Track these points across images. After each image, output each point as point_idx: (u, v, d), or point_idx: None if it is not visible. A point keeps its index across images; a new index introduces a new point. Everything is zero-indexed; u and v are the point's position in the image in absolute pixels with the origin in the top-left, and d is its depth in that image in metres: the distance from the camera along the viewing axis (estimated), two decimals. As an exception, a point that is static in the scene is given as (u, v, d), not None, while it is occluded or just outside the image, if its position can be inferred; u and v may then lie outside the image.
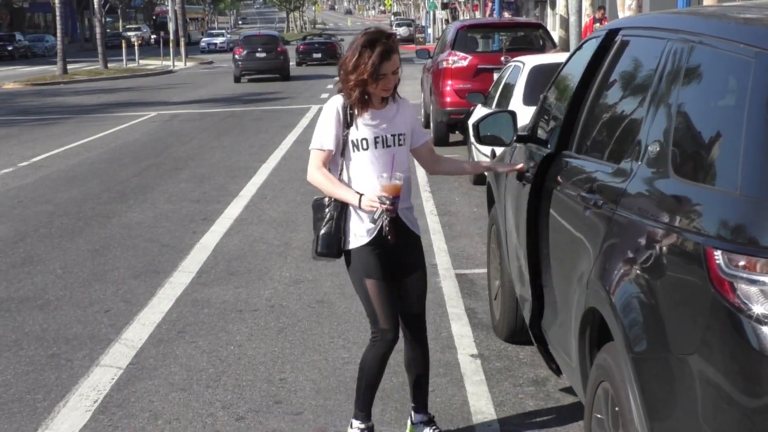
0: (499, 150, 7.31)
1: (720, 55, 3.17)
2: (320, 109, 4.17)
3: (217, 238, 8.84)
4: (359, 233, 4.16)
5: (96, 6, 41.49)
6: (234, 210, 10.22)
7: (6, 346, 5.99)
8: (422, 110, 17.38)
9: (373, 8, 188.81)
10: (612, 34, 4.20)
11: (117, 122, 20.03)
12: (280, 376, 5.33)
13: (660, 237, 3.06)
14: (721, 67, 3.18)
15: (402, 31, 71.13)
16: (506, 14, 36.38)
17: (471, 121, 9.83)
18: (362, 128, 4.10)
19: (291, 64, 36.25)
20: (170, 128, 18.85)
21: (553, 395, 5.04)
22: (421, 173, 11.64)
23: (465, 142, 13.36)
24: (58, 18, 37.12)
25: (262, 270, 7.67)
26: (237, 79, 32.88)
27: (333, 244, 4.17)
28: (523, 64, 10.11)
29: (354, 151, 4.11)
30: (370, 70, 4.01)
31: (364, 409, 4.39)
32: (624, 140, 3.63)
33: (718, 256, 2.69)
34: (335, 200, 4.16)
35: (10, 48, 57.17)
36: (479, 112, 10.67)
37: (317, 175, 4.15)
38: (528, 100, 9.34)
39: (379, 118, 4.13)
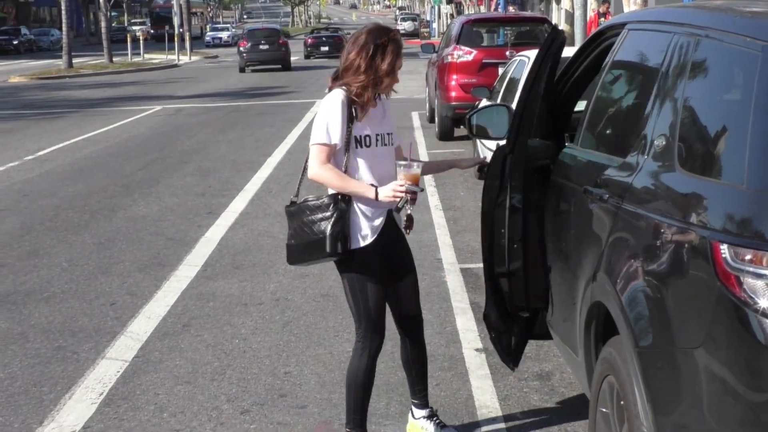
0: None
1: (726, 48, 3.17)
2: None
3: (222, 232, 8.85)
4: (364, 233, 4.05)
5: (101, 0, 41.48)
6: (239, 204, 10.23)
7: (12, 338, 6.01)
8: (427, 105, 17.37)
9: (378, 2, 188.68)
10: (618, 27, 4.20)
11: (122, 116, 20.05)
12: (284, 370, 5.34)
13: (666, 231, 3.06)
14: (727, 61, 3.18)
15: (407, 26, 71.12)
16: (511, 9, 36.30)
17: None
18: (364, 125, 4.04)
19: (300, 56, 39.56)
20: (175, 122, 18.86)
21: (558, 389, 5.04)
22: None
23: (470, 137, 13.35)
24: (63, 12, 37.14)
25: (267, 264, 7.67)
26: (242, 70, 34.99)
27: (343, 244, 4.01)
28: (528, 58, 10.08)
29: (357, 147, 4.03)
30: (387, 69, 3.99)
31: (361, 423, 4.24)
32: (630, 134, 3.62)
33: (724, 250, 2.69)
34: (341, 197, 4.01)
35: (15, 42, 57.20)
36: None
37: (324, 171, 3.96)
38: (533, 94, 9.31)
39: (375, 115, 4.10)
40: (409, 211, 4.03)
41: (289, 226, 4.12)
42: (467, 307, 6.42)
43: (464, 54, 14.37)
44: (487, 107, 5.04)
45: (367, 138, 4.05)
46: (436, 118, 15.30)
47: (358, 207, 4.04)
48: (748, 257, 2.64)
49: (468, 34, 14.87)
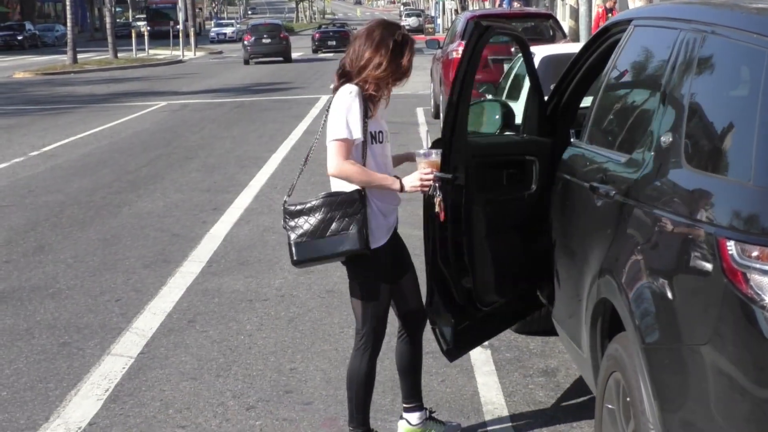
0: None
1: (732, 45, 3.16)
2: (330, 99, 4.06)
3: (227, 228, 8.85)
4: (381, 231, 4.01)
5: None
6: (244, 200, 10.23)
7: (18, 334, 6.02)
8: (432, 101, 17.35)
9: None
10: (624, 24, 4.19)
11: (127, 112, 20.06)
12: (290, 366, 5.35)
13: (672, 227, 3.05)
14: (733, 57, 3.17)
15: (411, 22, 71.08)
16: (516, 4, 36.24)
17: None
18: (376, 121, 4.02)
19: (305, 51, 42.65)
20: (180, 118, 18.86)
21: (563, 385, 5.04)
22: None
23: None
24: (68, 7, 37.13)
25: (272, 260, 7.68)
26: (246, 62, 37.99)
27: (368, 241, 3.94)
28: (534, 54, 10.06)
29: (371, 143, 3.99)
30: (408, 65, 3.98)
31: (364, 422, 4.22)
32: (636, 130, 3.62)
33: (731, 246, 2.69)
34: (361, 194, 3.94)
35: (20, 37, 57.25)
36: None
37: (347, 166, 3.86)
38: (539, 90, 9.29)
39: (381, 113, 4.10)
40: (439, 198, 4.00)
41: (290, 225, 3.99)
42: (472, 304, 6.41)
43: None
44: (479, 102, 5.06)
45: (380, 134, 4.04)
46: (441, 114, 15.28)
47: (375, 205, 3.99)
48: (754, 254, 2.64)
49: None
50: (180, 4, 49.29)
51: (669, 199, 3.13)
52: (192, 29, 49.34)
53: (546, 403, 4.83)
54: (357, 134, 3.88)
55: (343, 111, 3.88)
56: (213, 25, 74.38)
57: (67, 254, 8.03)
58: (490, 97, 10.99)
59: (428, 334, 5.48)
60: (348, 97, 3.89)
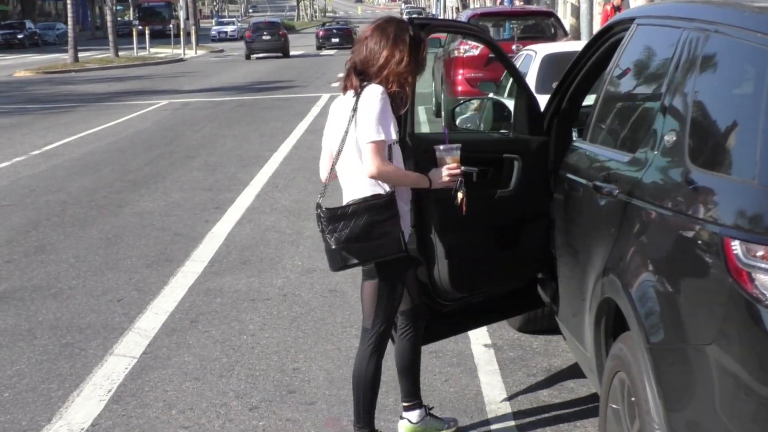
0: None
1: (736, 44, 3.15)
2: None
3: (229, 227, 8.84)
4: (406, 231, 4.00)
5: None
6: (245, 199, 10.22)
7: (20, 335, 6.01)
8: (433, 99, 17.35)
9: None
10: (627, 23, 4.18)
11: (128, 110, 20.05)
12: (293, 366, 5.34)
13: (676, 227, 3.04)
14: (737, 57, 3.16)
15: (412, 19, 70.89)
16: (517, 2, 36.22)
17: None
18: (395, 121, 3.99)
19: (307, 49, 45.52)
20: (181, 117, 18.86)
21: (567, 385, 5.03)
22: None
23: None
24: (69, 6, 37.10)
25: (275, 259, 7.67)
26: (248, 57, 41.48)
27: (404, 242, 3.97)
28: (536, 52, 10.06)
29: (394, 143, 3.97)
30: (425, 59, 4.00)
31: (370, 422, 4.19)
32: (639, 129, 3.61)
33: (735, 245, 2.68)
34: (393, 196, 3.90)
35: (20, 36, 57.23)
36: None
37: (386, 167, 3.82)
38: (541, 88, 9.27)
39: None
40: (463, 193, 4.03)
41: (331, 230, 3.88)
42: (475, 302, 6.40)
43: (470, 48, 14.33)
44: (471, 100, 5.06)
45: (398, 133, 4.01)
46: (443, 113, 15.26)
47: (399, 206, 3.97)
48: (760, 253, 2.63)
49: (474, 28, 14.82)
50: (181, 2, 49.21)
51: (673, 198, 3.12)
52: (193, 27, 49.31)
53: (549, 403, 4.82)
54: (392, 135, 3.86)
55: (377, 112, 3.82)
56: (214, 23, 74.27)
57: (68, 254, 8.02)
58: (491, 95, 10.97)
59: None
60: (379, 98, 3.83)
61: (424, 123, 16.26)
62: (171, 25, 49.25)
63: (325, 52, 46.56)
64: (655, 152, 3.33)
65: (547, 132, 4.77)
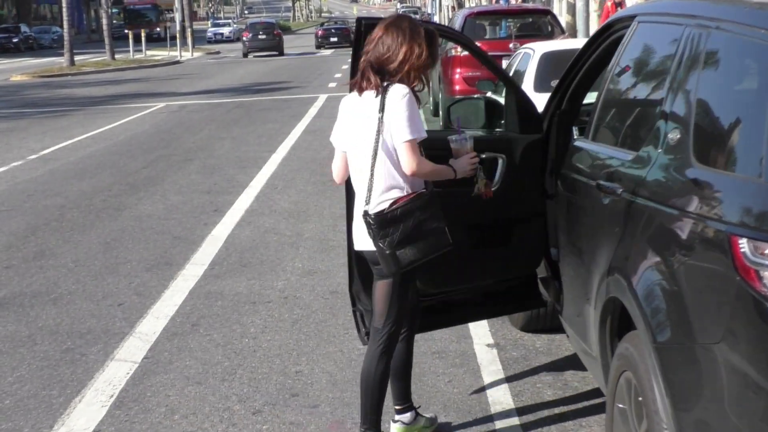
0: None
1: (739, 40, 3.13)
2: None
3: (228, 230, 8.82)
4: None
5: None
6: (245, 201, 10.19)
7: (20, 341, 5.98)
8: (431, 98, 17.33)
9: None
10: (627, 20, 4.15)
11: (126, 114, 20.02)
12: (295, 369, 5.31)
13: (682, 225, 3.02)
14: (740, 53, 3.14)
15: (409, 19, 70.87)
16: (513, 0, 36.20)
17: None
18: None
19: (303, 49, 48.21)
20: (179, 119, 18.83)
21: (572, 384, 5.01)
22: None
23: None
24: (64, 9, 37.07)
25: (275, 261, 7.64)
26: (245, 55, 45.09)
27: None
28: (534, 50, 10.04)
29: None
30: (437, 57, 4.06)
31: (377, 423, 4.16)
32: (643, 127, 3.59)
33: (743, 244, 2.66)
34: (433, 192, 3.96)
35: (15, 40, 57.12)
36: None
37: (423, 164, 3.87)
38: (539, 87, 9.27)
39: None
40: (483, 180, 4.15)
41: (383, 234, 3.86)
42: (477, 302, 6.38)
43: (478, 45, 14.30)
44: (465, 99, 5.06)
45: None
46: (440, 112, 15.24)
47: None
48: (767, 251, 2.60)
49: (471, 27, 14.83)
50: (176, 4, 49.14)
51: (678, 196, 3.09)
52: (189, 29, 49.29)
53: (555, 402, 4.80)
54: (423, 132, 3.92)
55: (408, 111, 3.85)
56: (210, 25, 74.13)
57: (68, 258, 7.99)
58: (490, 94, 10.95)
59: (432, 334, 5.47)
60: (409, 96, 3.87)
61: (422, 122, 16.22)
62: (159, 29, 48.64)
63: (322, 52, 47.19)
64: (659, 150, 3.30)
65: (547, 131, 4.75)
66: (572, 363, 5.23)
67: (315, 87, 24.91)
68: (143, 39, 44.48)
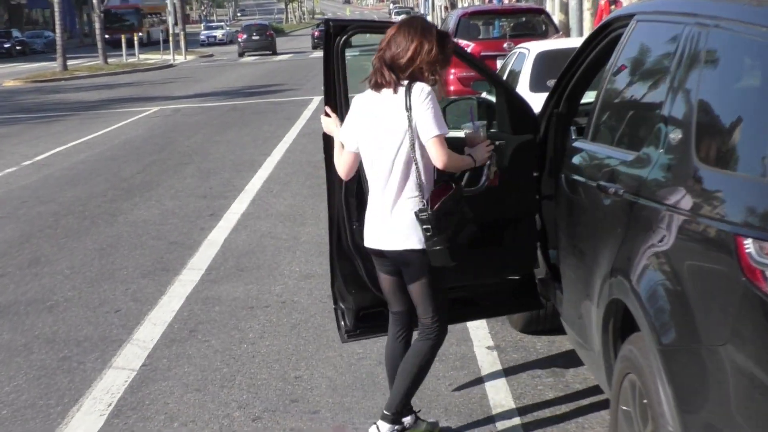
0: None
1: (739, 38, 3.10)
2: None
3: (224, 234, 8.77)
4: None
5: (94, 1, 41.33)
6: (241, 205, 10.15)
7: (16, 350, 5.93)
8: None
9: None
10: (626, 19, 4.12)
11: (119, 118, 19.97)
12: (295, 374, 5.27)
13: (685, 226, 2.99)
14: (741, 51, 3.11)
15: (401, 19, 70.97)
16: (506, 0, 36.19)
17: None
18: None
19: (292, 53, 48.40)
20: (173, 123, 18.77)
21: (573, 385, 4.97)
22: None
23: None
24: (56, 14, 36.95)
25: (272, 265, 7.60)
26: (241, 55, 47.75)
27: None
28: (528, 50, 10.01)
29: None
30: (451, 54, 4.11)
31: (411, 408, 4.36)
32: (643, 127, 3.55)
33: (748, 244, 2.63)
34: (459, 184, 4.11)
35: (7, 45, 56.91)
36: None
37: (452, 157, 3.99)
38: (535, 86, 9.25)
39: None
40: (495, 167, 4.28)
41: (441, 230, 3.95)
42: (476, 304, 6.34)
43: (463, 47, 14.28)
44: (456, 100, 5.08)
45: None
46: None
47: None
48: (773, 252, 2.57)
49: (465, 27, 14.81)
50: (169, 7, 49.03)
51: (681, 196, 3.06)
52: (182, 33, 49.21)
53: (556, 404, 4.77)
54: (446, 129, 4.00)
55: (433, 107, 3.94)
56: (202, 28, 73.90)
57: (63, 265, 7.94)
58: (485, 94, 10.92)
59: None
60: (432, 94, 3.96)
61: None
62: (141, 33, 47.79)
63: (317, 53, 47.31)
64: (660, 150, 3.27)
65: (545, 131, 4.72)
66: (573, 364, 5.20)
67: (309, 89, 24.86)
68: (123, 44, 43.38)
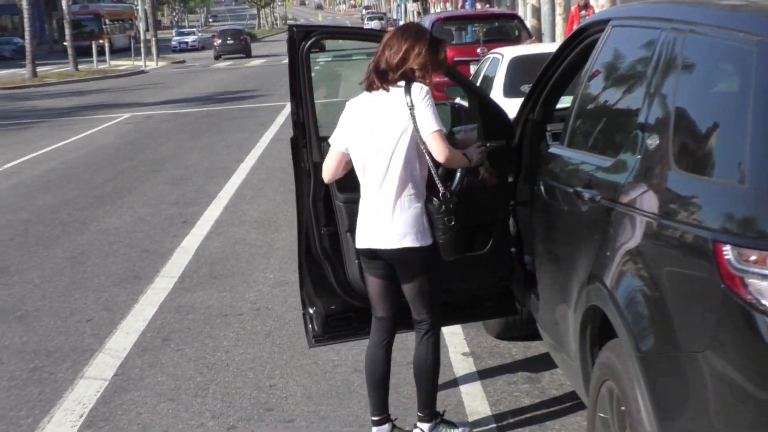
0: None
1: (715, 44, 3.10)
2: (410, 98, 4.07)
3: (198, 241, 8.70)
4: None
5: (65, 7, 41.02)
6: (214, 211, 10.07)
7: (-14, 360, 5.84)
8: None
9: (344, 2, 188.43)
10: (601, 24, 4.11)
11: (90, 125, 19.80)
12: (269, 383, 5.22)
13: (664, 232, 2.98)
14: (718, 57, 3.11)
15: (374, 25, 70.93)
16: (478, 5, 36.31)
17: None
18: None
19: (264, 60, 46.81)
20: (145, 129, 18.64)
21: (548, 392, 4.96)
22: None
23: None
24: (26, 19, 36.60)
25: (246, 272, 7.54)
26: (216, 57, 50.09)
27: None
28: (502, 55, 10.01)
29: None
30: (445, 58, 4.19)
31: (436, 412, 4.40)
32: (620, 133, 3.54)
33: (727, 251, 2.62)
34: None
35: (-27, 52, 56.19)
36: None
37: (453, 151, 4.05)
38: (509, 92, 9.25)
39: None
40: (488, 167, 4.38)
41: (449, 219, 4.07)
42: (452, 311, 6.32)
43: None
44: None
45: None
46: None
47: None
48: (752, 258, 2.57)
49: (439, 33, 14.77)
50: (140, 13, 48.73)
51: (659, 203, 3.05)
52: (154, 38, 48.94)
53: (532, 411, 4.75)
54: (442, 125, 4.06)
55: (432, 105, 4.01)
56: (174, 33, 73.45)
57: (33, 274, 7.84)
58: (458, 100, 10.91)
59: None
60: (426, 91, 4.03)
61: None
62: (102, 41, 46.60)
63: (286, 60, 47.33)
64: (638, 156, 3.26)
65: (520, 137, 4.70)
66: (549, 370, 5.18)
67: (282, 95, 24.75)
68: (94, 50, 42.61)
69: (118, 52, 46.26)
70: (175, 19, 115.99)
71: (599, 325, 3.49)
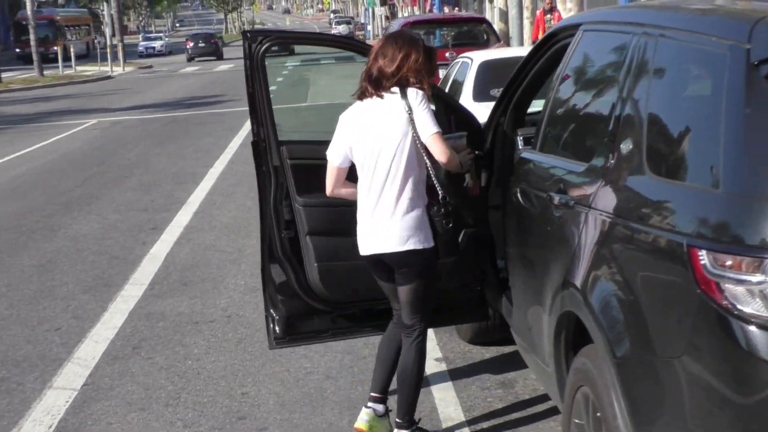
0: None
1: (686, 48, 3.10)
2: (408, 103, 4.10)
3: (167, 248, 8.62)
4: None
5: (29, 13, 40.62)
6: (183, 217, 10.00)
7: (-48, 371, 5.75)
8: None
9: (311, 7, 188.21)
10: (571, 29, 4.11)
11: (57, 131, 19.60)
12: (241, 390, 5.18)
13: (638, 237, 2.98)
14: (690, 61, 3.11)
15: (342, 29, 70.92)
16: (446, 9, 36.42)
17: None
18: None
19: (240, 60, 51.13)
20: (112, 135, 18.49)
21: (522, 396, 4.95)
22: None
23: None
24: (-10, 26, 36.21)
25: (217, 279, 7.48)
26: (190, 60, 52.69)
27: None
28: (471, 60, 10.02)
29: None
30: (436, 66, 4.29)
31: (413, 418, 4.43)
32: (593, 138, 3.54)
33: (702, 255, 2.61)
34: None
35: (-64, 58, 55.12)
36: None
37: (452, 153, 4.10)
38: (478, 96, 9.25)
39: None
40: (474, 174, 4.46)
41: (447, 222, 4.15)
42: (424, 316, 6.30)
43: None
44: None
45: None
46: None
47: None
48: (728, 263, 2.57)
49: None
50: (106, 18, 48.33)
51: (634, 208, 3.05)
52: (120, 44, 48.55)
53: (506, 416, 4.74)
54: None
55: (428, 108, 4.09)
56: (141, 38, 72.93)
57: (0, 283, 7.73)
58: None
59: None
60: (423, 96, 4.10)
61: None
62: (56, 47, 45.47)
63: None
64: (612, 161, 3.26)
65: (491, 142, 4.70)
66: (523, 375, 5.18)
67: (250, 100, 24.66)
68: (59, 56, 41.87)
69: (77, 58, 44.50)
70: (142, 23, 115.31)
71: (574, 331, 3.48)
